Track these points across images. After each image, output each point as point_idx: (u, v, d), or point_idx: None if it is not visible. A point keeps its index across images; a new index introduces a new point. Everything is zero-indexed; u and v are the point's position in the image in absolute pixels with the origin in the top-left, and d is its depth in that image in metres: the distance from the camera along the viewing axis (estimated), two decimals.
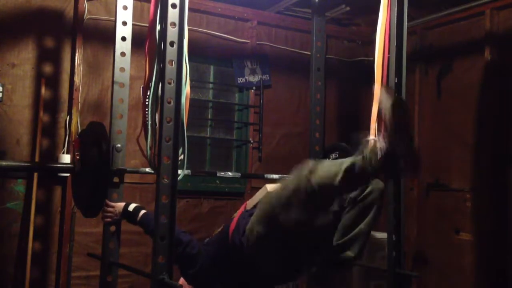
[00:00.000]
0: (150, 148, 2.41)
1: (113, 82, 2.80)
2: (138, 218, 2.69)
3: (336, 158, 3.23)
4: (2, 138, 3.49)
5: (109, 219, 2.77)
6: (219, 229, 2.72)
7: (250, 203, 2.68)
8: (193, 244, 2.62)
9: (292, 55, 4.50)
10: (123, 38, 2.82)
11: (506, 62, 3.81)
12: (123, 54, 2.82)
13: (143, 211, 2.71)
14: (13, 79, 3.54)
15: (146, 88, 2.45)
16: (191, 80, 2.52)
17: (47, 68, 3.64)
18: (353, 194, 2.36)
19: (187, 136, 2.35)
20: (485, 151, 3.87)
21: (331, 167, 2.15)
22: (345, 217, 2.39)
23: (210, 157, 4.29)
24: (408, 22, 2.64)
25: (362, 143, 2.24)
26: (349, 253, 2.39)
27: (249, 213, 2.53)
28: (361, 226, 2.37)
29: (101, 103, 3.75)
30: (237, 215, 2.59)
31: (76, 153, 2.74)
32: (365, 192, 2.35)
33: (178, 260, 2.60)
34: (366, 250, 2.46)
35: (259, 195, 2.62)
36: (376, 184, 2.38)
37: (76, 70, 3.66)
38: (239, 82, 4.30)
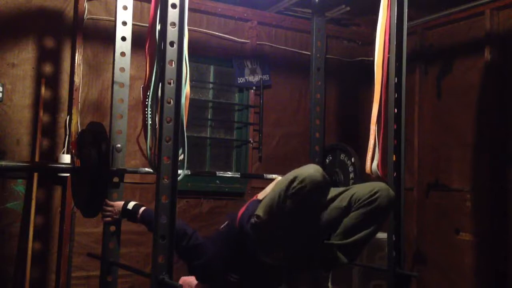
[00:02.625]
0: (150, 148, 2.41)
1: (113, 82, 2.81)
2: (139, 216, 2.69)
3: (335, 159, 3.25)
4: (2, 138, 3.49)
5: (109, 219, 2.77)
6: (225, 223, 2.73)
7: (261, 194, 2.70)
8: (197, 235, 2.63)
9: (292, 55, 4.50)
10: (123, 38, 2.83)
11: (506, 62, 3.81)
12: (123, 54, 2.83)
13: (142, 208, 2.71)
14: (13, 79, 3.53)
15: (146, 88, 2.45)
16: (191, 80, 2.53)
17: (47, 68, 3.64)
18: (359, 194, 2.37)
19: (187, 136, 2.35)
20: (485, 151, 3.87)
21: None
22: (349, 216, 2.40)
23: (210, 157, 4.29)
24: (408, 22, 2.65)
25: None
26: (344, 259, 2.40)
27: (259, 201, 2.55)
28: (362, 234, 2.38)
29: (101, 103, 3.75)
30: (247, 202, 2.61)
31: (76, 153, 2.74)
32: (373, 197, 2.35)
33: (184, 252, 2.61)
34: (364, 250, 2.48)
35: (269, 188, 2.64)
36: (386, 192, 2.38)
37: (76, 70, 3.66)
38: (239, 82, 4.30)
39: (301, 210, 2.28)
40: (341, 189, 2.54)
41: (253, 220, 2.39)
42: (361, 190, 2.43)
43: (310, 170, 2.23)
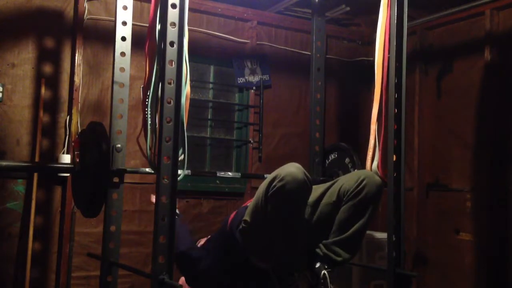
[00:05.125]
0: (150, 148, 2.41)
1: (113, 82, 2.80)
2: None
3: (335, 159, 3.25)
4: (2, 138, 3.49)
5: None
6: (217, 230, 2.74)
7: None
8: (202, 258, 2.62)
9: (292, 55, 4.50)
10: (123, 38, 2.82)
11: (506, 62, 3.81)
12: (123, 54, 2.82)
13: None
14: (13, 79, 3.54)
15: (146, 88, 2.45)
16: (191, 80, 2.53)
17: (47, 68, 3.64)
18: (347, 186, 2.38)
19: (187, 136, 2.35)
20: (485, 151, 3.87)
21: None
22: (341, 211, 2.40)
23: (210, 157, 4.29)
24: (408, 22, 2.64)
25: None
26: (345, 255, 2.40)
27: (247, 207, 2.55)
28: (357, 225, 2.38)
29: (101, 103, 3.75)
30: (238, 209, 2.61)
31: (76, 153, 2.74)
32: (360, 186, 2.35)
33: (178, 264, 2.62)
34: (363, 249, 2.47)
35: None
36: (371, 178, 2.39)
37: (76, 70, 3.66)
38: (239, 82, 4.30)
39: (283, 210, 2.23)
40: (327, 184, 2.53)
41: (241, 226, 2.38)
42: (347, 181, 2.42)
43: (290, 168, 2.20)
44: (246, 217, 2.35)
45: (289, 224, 2.27)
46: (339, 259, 2.40)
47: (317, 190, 2.49)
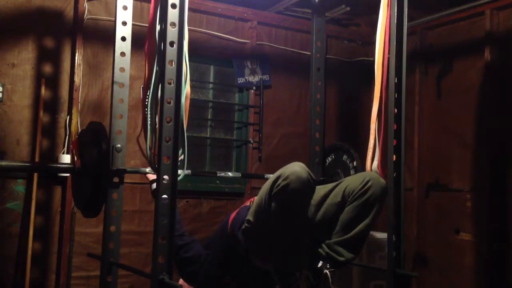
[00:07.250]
0: (150, 148, 2.40)
1: (113, 82, 2.80)
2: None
3: (335, 159, 3.25)
4: (2, 138, 3.49)
5: None
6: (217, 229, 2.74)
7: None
8: (188, 247, 2.62)
9: (292, 55, 4.50)
10: (123, 38, 2.82)
11: (506, 62, 3.81)
12: (123, 54, 2.82)
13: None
14: (13, 79, 3.54)
15: (146, 88, 2.45)
16: (191, 80, 2.52)
17: (47, 68, 3.64)
18: (352, 187, 2.38)
19: (187, 136, 2.35)
20: (485, 151, 3.87)
21: None
22: (345, 211, 2.40)
23: (210, 157, 4.29)
24: (408, 22, 2.64)
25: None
26: (348, 255, 2.40)
27: (249, 207, 2.55)
28: (361, 226, 2.39)
29: (101, 103, 3.75)
30: (238, 208, 2.61)
31: (76, 153, 2.74)
32: (365, 187, 2.36)
33: (179, 261, 2.62)
34: (364, 250, 2.47)
35: None
36: (376, 180, 2.39)
37: (76, 70, 3.66)
38: (239, 82, 4.30)
39: (287, 209, 2.23)
40: (331, 185, 2.53)
41: (244, 226, 2.38)
42: (352, 182, 2.43)
43: (295, 168, 2.20)
44: (249, 217, 2.35)
45: (292, 223, 2.27)
46: (341, 259, 2.40)
47: (322, 190, 2.49)
